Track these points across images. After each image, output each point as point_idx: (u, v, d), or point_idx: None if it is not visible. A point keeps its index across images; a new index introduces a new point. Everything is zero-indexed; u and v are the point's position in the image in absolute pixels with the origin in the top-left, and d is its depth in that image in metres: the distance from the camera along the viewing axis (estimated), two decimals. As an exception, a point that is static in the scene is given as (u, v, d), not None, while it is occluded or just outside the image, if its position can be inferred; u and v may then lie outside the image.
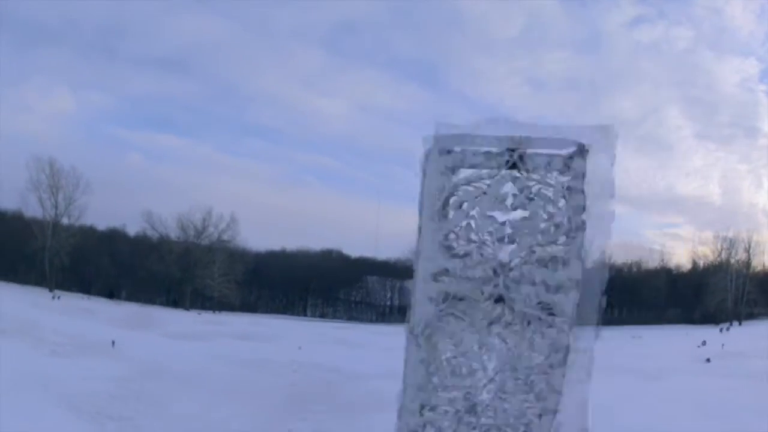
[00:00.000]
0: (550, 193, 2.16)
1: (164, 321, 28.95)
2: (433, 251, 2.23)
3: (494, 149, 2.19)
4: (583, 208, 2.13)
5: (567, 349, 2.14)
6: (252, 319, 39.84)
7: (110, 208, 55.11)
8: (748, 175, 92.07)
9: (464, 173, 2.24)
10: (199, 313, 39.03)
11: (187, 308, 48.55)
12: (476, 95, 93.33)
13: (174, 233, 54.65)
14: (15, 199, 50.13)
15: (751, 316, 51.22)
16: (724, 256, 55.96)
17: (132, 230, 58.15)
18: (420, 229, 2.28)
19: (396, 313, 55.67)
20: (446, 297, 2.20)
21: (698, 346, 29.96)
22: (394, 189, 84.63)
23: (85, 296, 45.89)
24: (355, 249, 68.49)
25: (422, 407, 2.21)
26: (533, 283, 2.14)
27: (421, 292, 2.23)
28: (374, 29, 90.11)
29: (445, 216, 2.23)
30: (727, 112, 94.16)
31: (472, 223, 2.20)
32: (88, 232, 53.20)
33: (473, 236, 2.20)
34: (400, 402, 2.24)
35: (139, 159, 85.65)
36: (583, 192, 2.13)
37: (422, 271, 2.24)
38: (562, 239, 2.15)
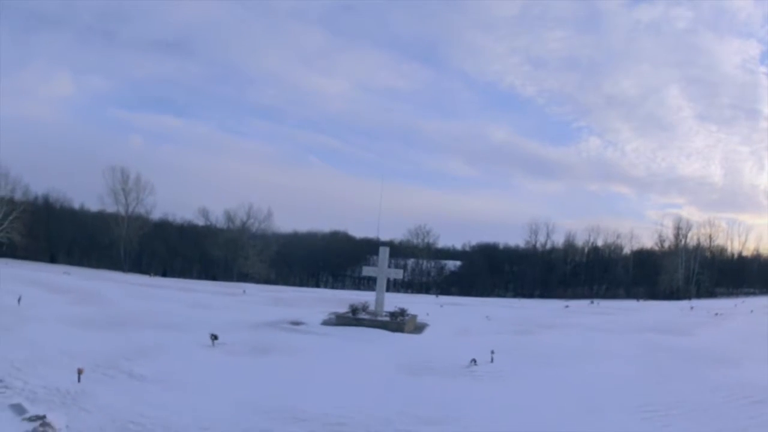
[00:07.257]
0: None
1: (244, 286, 44.19)
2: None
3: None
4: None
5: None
6: (293, 288, 55.25)
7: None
8: (750, 156, 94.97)
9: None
10: (255, 285, 53.68)
11: (234, 281, 63.44)
12: (476, 73, 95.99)
13: (221, 223, 69.10)
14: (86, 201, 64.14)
15: (711, 295, 55.85)
16: (680, 238, 61.40)
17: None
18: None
19: (394, 285, 59.51)
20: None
21: (588, 304, 41.70)
22: (397, 168, 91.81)
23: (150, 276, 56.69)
24: (359, 230, 73.05)
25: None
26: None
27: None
28: (374, 7, 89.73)
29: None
30: (728, 94, 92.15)
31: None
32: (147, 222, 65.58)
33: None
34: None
35: (140, 140, 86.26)
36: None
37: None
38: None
